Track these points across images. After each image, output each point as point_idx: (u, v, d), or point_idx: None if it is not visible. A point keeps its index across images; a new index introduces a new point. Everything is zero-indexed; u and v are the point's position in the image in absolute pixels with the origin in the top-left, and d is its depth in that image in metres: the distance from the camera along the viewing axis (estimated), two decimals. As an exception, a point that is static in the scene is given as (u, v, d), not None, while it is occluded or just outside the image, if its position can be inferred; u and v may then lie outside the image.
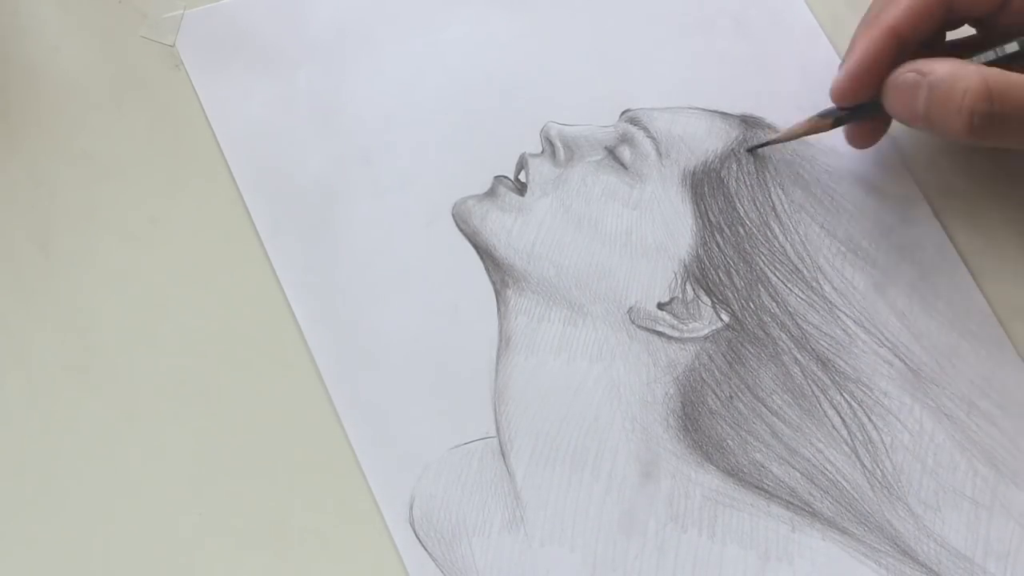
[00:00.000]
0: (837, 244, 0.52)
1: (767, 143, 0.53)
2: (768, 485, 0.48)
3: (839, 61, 0.56)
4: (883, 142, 0.54)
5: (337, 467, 0.48)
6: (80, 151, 0.53)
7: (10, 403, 0.49)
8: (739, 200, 0.52)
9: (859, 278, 0.51)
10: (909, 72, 0.48)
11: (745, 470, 0.48)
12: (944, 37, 0.52)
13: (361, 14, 0.57)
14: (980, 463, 0.48)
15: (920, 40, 0.49)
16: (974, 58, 0.49)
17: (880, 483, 0.48)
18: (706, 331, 0.50)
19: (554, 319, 0.51)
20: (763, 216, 0.52)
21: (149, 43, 0.55)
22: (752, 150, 0.53)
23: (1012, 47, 0.48)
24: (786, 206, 0.53)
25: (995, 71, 0.46)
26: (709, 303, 0.51)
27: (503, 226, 0.52)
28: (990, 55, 0.49)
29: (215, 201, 0.53)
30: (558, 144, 0.54)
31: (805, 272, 0.51)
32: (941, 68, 0.47)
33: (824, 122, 0.52)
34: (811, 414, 0.49)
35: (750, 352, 0.50)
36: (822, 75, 0.56)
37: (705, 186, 0.53)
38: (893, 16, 0.49)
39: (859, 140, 0.53)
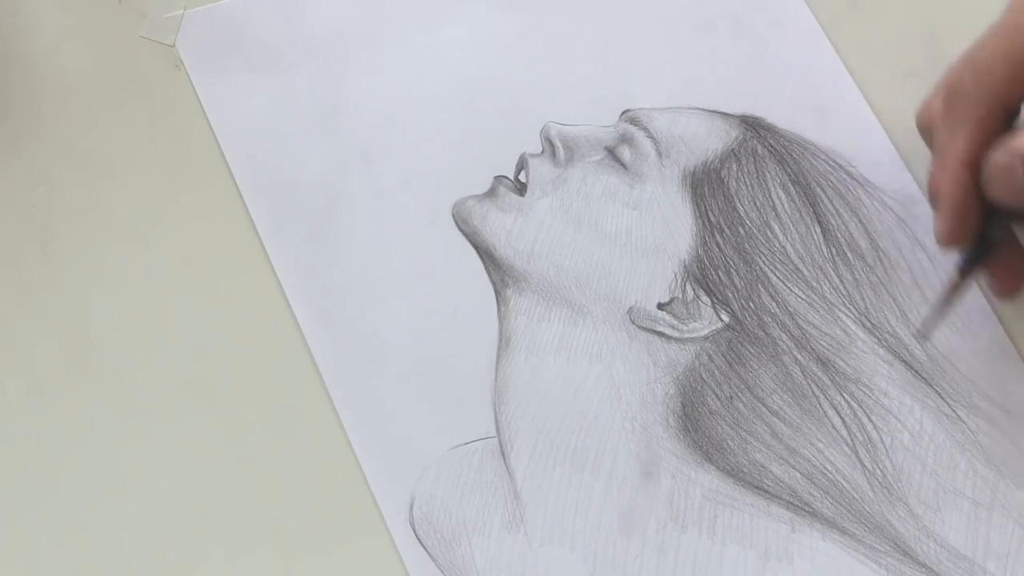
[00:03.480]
0: (837, 244, 0.52)
1: (931, 323, 0.50)
2: (768, 485, 0.48)
3: (841, 65, 0.56)
4: (883, 142, 0.54)
5: (337, 467, 0.48)
6: (80, 151, 0.53)
7: (10, 403, 0.49)
8: (739, 200, 0.52)
9: (859, 278, 0.51)
10: (1000, 155, 0.45)
11: (745, 470, 0.48)
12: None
13: (361, 14, 0.57)
14: (980, 463, 0.48)
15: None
16: None
17: (880, 483, 0.48)
18: (706, 331, 0.50)
19: (554, 319, 0.51)
20: (763, 216, 0.52)
21: (149, 43, 0.55)
22: (924, 337, 0.50)
23: None
24: (786, 206, 0.53)
25: None
26: (709, 303, 0.51)
27: (503, 226, 0.52)
28: None
29: (215, 201, 0.53)
30: (558, 144, 0.54)
31: (805, 272, 0.51)
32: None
33: (960, 274, 0.49)
34: (811, 414, 0.49)
35: (750, 352, 0.50)
36: (822, 75, 0.56)
37: (705, 186, 0.53)
38: (963, 150, 0.46)
39: (1003, 288, 0.49)
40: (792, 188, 0.53)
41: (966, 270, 0.48)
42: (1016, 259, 0.49)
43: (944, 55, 0.54)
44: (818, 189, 0.53)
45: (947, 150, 0.47)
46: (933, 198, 0.48)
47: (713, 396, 0.49)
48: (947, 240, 0.47)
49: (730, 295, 0.51)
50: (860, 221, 0.52)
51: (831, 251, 0.52)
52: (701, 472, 0.48)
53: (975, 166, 0.46)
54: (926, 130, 0.50)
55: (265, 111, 0.54)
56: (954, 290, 0.48)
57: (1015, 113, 0.46)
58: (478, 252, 0.52)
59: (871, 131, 0.55)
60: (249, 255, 0.52)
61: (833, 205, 0.53)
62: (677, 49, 0.56)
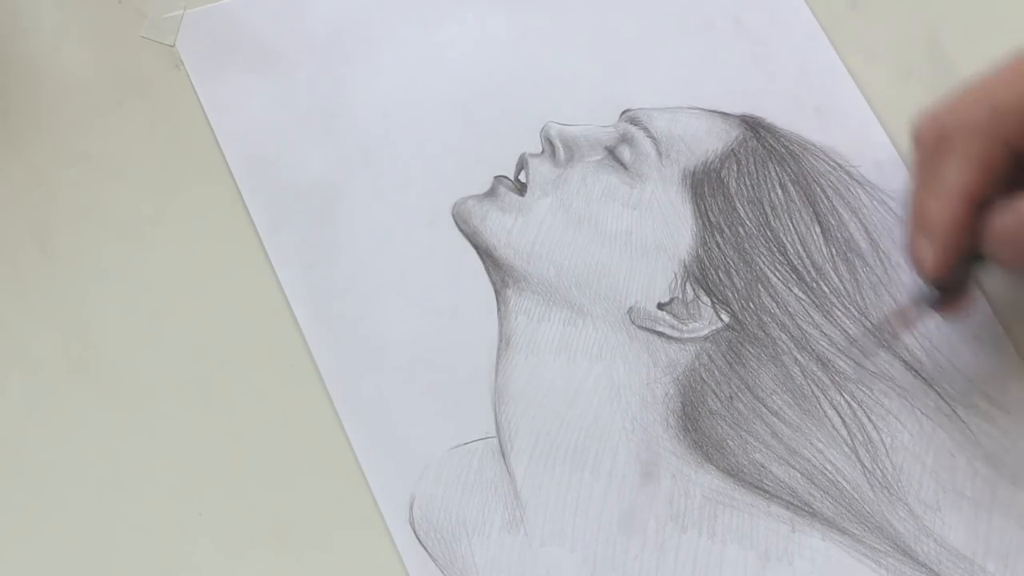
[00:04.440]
0: (837, 244, 0.52)
1: (872, 348, 0.50)
2: (768, 485, 0.48)
3: (841, 65, 0.56)
4: (883, 142, 0.54)
5: (337, 467, 0.48)
6: (80, 151, 0.53)
7: (10, 403, 0.49)
8: (739, 200, 0.52)
9: (859, 278, 0.51)
10: (1011, 216, 0.44)
11: (745, 470, 0.48)
12: None
13: (361, 14, 0.57)
14: (980, 463, 0.48)
15: (996, 192, 0.46)
16: None
17: (880, 483, 0.48)
18: (706, 331, 0.50)
19: (554, 319, 0.51)
20: (763, 216, 0.52)
21: (149, 43, 0.55)
22: (860, 361, 0.50)
23: None
24: (786, 206, 0.53)
25: None
26: (709, 303, 0.51)
27: (503, 226, 0.52)
28: None
29: (215, 201, 0.53)
30: (558, 144, 0.54)
31: (805, 272, 0.51)
32: None
33: (931, 297, 0.48)
34: (811, 414, 0.49)
35: (750, 352, 0.50)
36: (822, 75, 0.56)
37: (705, 186, 0.53)
38: (962, 182, 0.45)
39: (956, 311, 0.49)
40: (792, 188, 0.53)
41: (937, 304, 0.48)
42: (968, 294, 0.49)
43: (944, 55, 0.55)
44: (818, 189, 0.53)
45: (947, 182, 0.46)
46: (918, 225, 0.48)
47: (713, 396, 0.49)
48: (932, 272, 0.47)
49: (730, 295, 0.51)
50: (860, 221, 0.52)
51: (831, 251, 0.52)
52: (701, 472, 0.48)
53: (975, 202, 0.45)
54: (923, 142, 0.48)
55: (265, 111, 0.54)
56: (911, 321, 0.49)
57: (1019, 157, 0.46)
58: (478, 252, 0.52)
59: (871, 131, 0.55)
60: (249, 255, 0.52)
61: (833, 205, 0.53)
62: (677, 49, 0.56)
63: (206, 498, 0.48)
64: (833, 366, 0.50)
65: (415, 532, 0.47)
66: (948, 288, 0.48)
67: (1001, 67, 0.46)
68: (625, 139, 0.54)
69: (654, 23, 0.57)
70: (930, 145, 0.47)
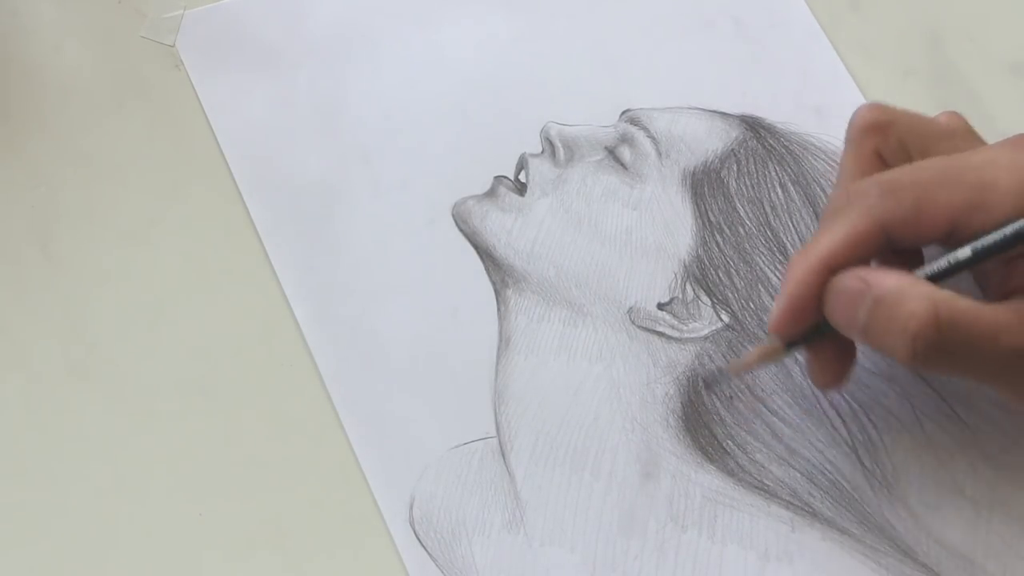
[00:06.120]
0: (837, 244, 0.52)
1: (718, 379, 0.49)
2: (768, 485, 0.48)
3: (841, 65, 0.56)
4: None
5: (337, 467, 0.48)
6: (80, 151, 0.53)
7: (10, 404, 0.49)
8: (739, 200, 0.53)
9: (859, 278, 0.51)
10: (854, 279, 0.42)
11: (745, 470, 0.48)
12: None
13: (361, 14, 0.57)
14: (980, 463, 0.48)
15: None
16: (924, 268, 0.44)
17: (880, 483, 0.48)
18: (706, 331, 0.50)
19: (554, 319, 0.51)
20: (763, 216, 0.52)
21: (149, 43, 0.56)
22: (709, 386, 0.49)
23: (964, 253, 0.43)
24: (786, 206, 0.53)
25: (946, 294, 0.41)
26: (709, 303, 0.51)
27: (503, 226, 0.52)
28: (942, 263, 0.43)
29: (215, 201, 0.53)
30: (558, 144, 0.54)
31: (805, 272, 0.51)
32: (888, 282, 0.41)
33: (775, 348, 0.46)
34: (811, 414, 0.49)
35: (750, 352, 0.50)
36: (822, 75, 0.56)
37: (705, 186, 0.53)
38: (826, 248, 0.43)
39: (822, 378, 0.47)
40: (792, 188, 0.53)
41: (789, 345, 0.46)
42: (840, 355, 0.46)
43: (944, 55, 0.55)
44: (818, 189, 0.53)
45: (816, 241, 0.44)
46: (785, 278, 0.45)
47: (713, 396, 0.49)
48: (773, 328, 0.45)
49: (730, 295, 0.51)
50: (860, 221, 0.52)
51: (831, 251, 0.52)
52: (701, 472, 0.48)
53: (831, 271, 0.43)
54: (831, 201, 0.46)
55: (265, 111, 0.54)
56: (764, 358, 0.46)
57: (907, 254, 0.45)
58: (478, 252, 0.52)
59: (871, 131, 0.55)
60: (249, 255, 0.52)
61: (833, 205, 0.53)
62: (677, 49, 0.56)
63: (206, 499, 0.48)
64: (833, 366, 0.50)
65: (415, 532, 0.47)
66: (795, 344, 0.46)
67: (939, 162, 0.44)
68: (625, 139, 0.54)
69: (654, 23, 0.57)
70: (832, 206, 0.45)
